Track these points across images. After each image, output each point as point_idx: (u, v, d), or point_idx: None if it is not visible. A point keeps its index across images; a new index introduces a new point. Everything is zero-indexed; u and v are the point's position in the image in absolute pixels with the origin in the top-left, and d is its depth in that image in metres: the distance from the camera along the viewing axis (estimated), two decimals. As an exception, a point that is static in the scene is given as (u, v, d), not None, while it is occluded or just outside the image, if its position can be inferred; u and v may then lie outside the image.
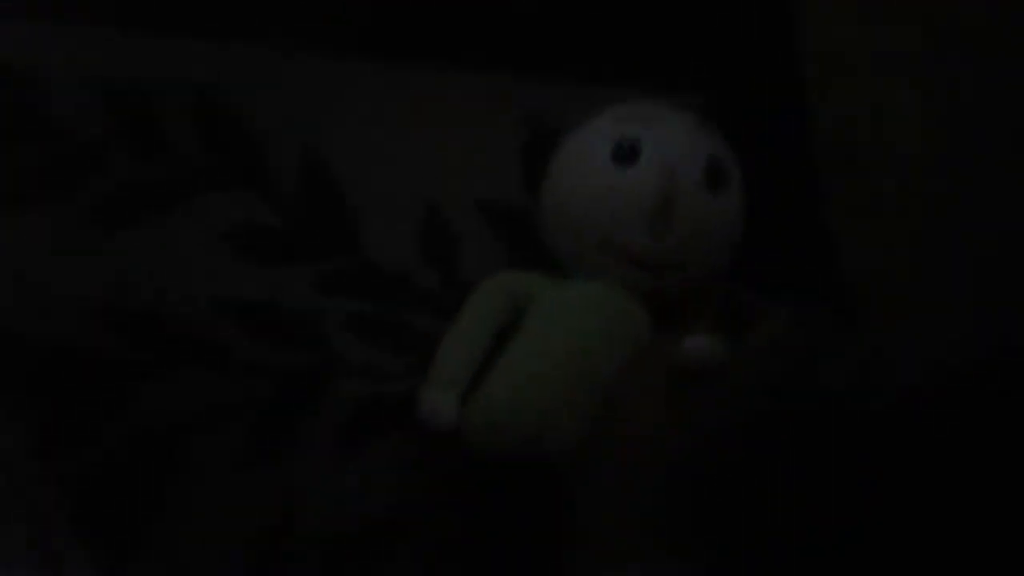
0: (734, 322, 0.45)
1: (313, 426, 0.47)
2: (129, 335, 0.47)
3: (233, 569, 0.45)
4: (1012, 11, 0.58)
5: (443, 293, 0.50)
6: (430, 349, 0.45)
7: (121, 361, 0.46)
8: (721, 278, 0.48)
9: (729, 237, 0.46)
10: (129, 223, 0.48)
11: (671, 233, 0.44)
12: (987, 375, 0.51)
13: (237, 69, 0.52)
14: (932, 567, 0.43)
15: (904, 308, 0.56)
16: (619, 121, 0.46)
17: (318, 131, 0.52)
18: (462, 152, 0.54)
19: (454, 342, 0.45)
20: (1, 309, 0.46)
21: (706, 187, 0.45)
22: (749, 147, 0.47)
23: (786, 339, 0.45)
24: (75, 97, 0.50)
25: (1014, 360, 0.51)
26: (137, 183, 0.49)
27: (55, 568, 0.42)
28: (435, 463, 0.47)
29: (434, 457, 0.47)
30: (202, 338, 0.47)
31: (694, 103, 0.53)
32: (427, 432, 0.43)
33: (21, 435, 0.44)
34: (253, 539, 0.45)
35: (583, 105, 0.53)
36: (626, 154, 0.44)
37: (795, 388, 0.45)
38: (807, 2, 0.59)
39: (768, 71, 0.59)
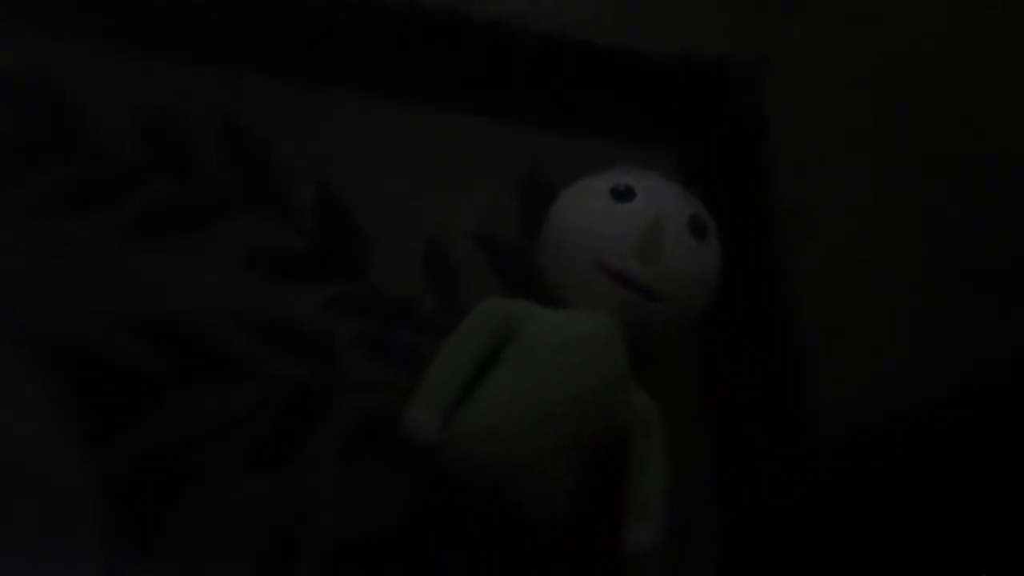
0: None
1: (320, 435, 0.50)
2: (155, 346, 0.49)
3: (245, 566, 0.47)
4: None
5: (442, 317, 0.54)
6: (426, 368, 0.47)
7: (148, 370, 0.49)
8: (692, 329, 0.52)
9: (708, 282, 0.51)
10: (160, 241, 0.51)
11: (658, 260, 0.48)
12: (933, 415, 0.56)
13: (264, 101, 0.55)
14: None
15: (860, 355, 0.61)
16: (620, 174, 0.51)
17: (333, 163, 0.55)
18: (463, 189, 0.57)
19: (440, 364, 0.47)
20: (38, 317, 0.48)
21: (690, 233, 0.50)
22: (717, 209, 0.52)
23: None
24: (114, 120, 0.52)
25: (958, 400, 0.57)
26: (169, 204, 0.52)
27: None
28: (427, 475, 0.50)
29: (426, 469, 0.50)
30: (222, 350, 0.50)
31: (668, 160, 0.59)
32: (410, 448, 0.46)
33: (53, 435, 0.46)
34: (266, 538, 0.48)
35: (575, 152, 0.58)
36: (623, 193, 0.49)
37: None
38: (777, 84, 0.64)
39: (738, 142, 0.64)
